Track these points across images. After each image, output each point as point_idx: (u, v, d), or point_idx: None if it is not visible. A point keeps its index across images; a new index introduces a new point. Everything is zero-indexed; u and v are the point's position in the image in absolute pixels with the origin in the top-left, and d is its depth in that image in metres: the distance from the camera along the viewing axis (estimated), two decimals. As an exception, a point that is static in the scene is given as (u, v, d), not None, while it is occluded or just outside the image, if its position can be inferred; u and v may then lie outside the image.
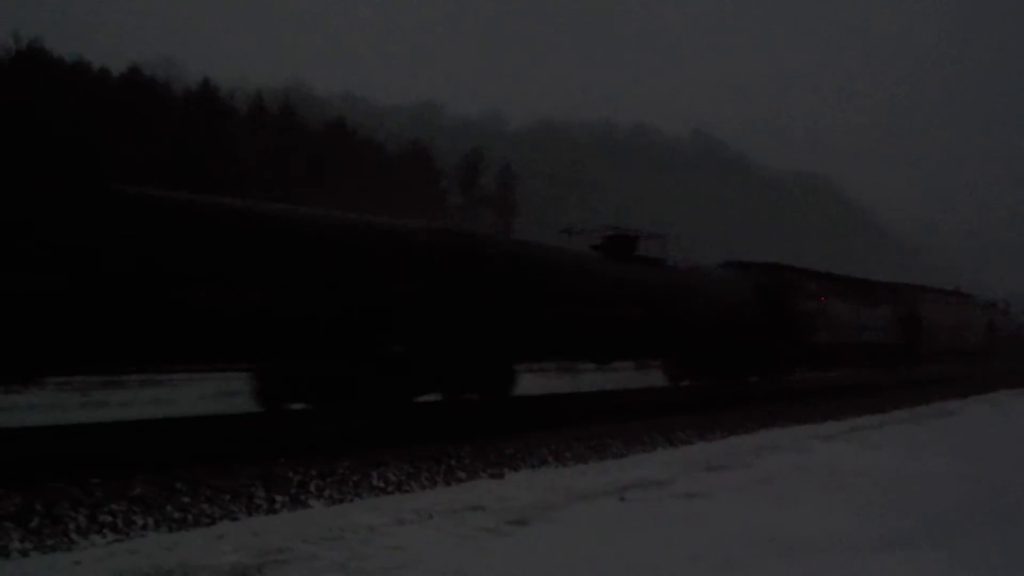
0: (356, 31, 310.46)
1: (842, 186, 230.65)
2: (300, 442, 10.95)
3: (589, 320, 16.19)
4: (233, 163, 54.99)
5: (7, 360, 9.56)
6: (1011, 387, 28.31)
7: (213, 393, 17.65)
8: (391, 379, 13.00)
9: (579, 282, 16.43)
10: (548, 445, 12.06)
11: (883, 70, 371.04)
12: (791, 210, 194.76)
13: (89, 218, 9.86)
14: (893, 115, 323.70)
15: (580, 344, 16.89)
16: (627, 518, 7.43)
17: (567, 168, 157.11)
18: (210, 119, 60.43)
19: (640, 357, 22.31)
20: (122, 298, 9.85)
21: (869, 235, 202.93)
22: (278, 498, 8.45)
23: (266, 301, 11.15)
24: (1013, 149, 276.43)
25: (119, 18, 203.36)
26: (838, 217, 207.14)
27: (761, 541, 6.56)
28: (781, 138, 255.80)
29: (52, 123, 43.60)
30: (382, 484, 9.40)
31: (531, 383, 22.09)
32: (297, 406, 13.26)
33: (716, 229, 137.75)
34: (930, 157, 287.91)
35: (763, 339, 22.04)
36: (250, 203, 12.85)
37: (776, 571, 5.85)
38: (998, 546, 6.63)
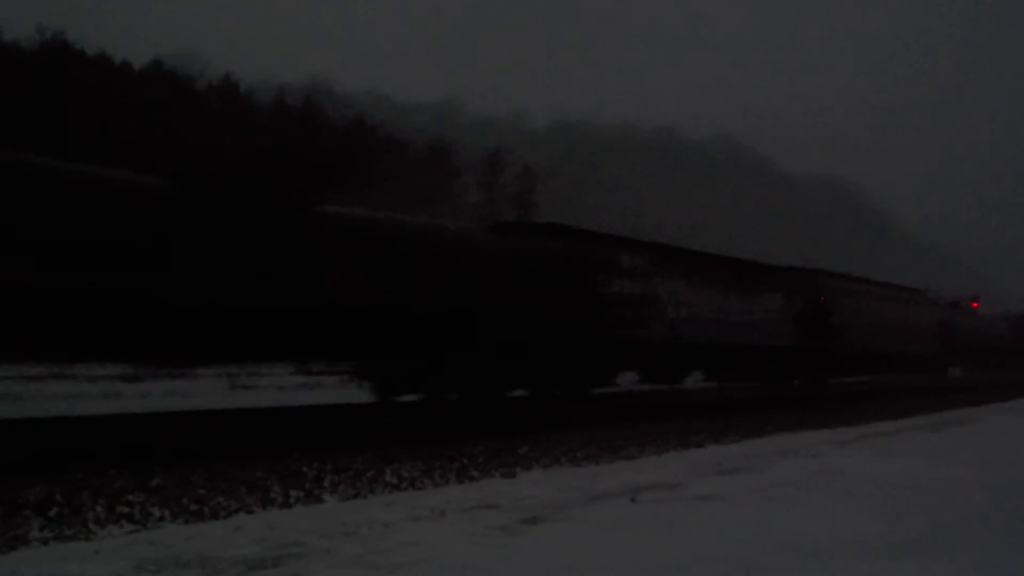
0: (379, 28, 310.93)
1: (867, 191, 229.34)
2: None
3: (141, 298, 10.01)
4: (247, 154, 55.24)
5: None
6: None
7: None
8: None
9: (122, 230, 9.97)
10: (561, 446, 12.11)
11: (911, 74, 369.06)
12: (815, 214, 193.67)
13: None
14: (921, 119, 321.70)
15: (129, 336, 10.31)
16: (639, 519, 7.46)
17: (589, 168, 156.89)
18: (232, 113, 60.77)
19: (286, 359, 14.18)
20: None
21: (894, 241, 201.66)
22: (293, 492, 8.54)
23: None
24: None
25: (142, 11, 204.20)
26: (862, 221, 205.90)
27: (773, 545, 6.57)
28: (806, 143, 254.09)
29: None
30: (396, 481, 9.48)
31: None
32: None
33: (739, 233, 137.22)
34: (959, 163, 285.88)
35: (545, 334, 15.45)
36: None
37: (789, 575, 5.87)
38: (1015, 556, 6.62)
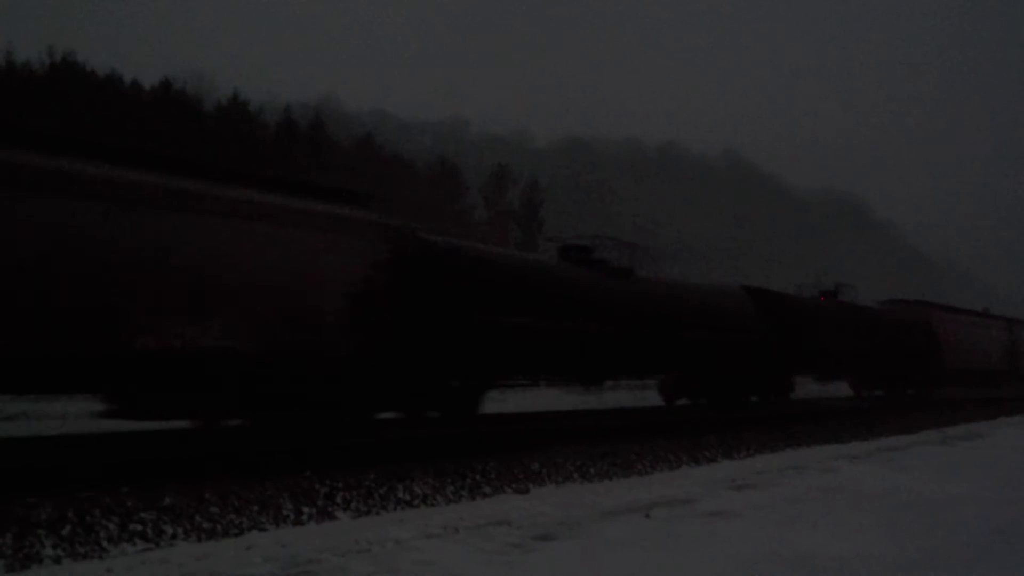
0: (385, 48, 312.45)
1: (872, 205, 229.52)
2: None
3: None
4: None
5: None
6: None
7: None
8: None
9: None
10: (573, 461, 12.08)
11: (916, 90, 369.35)
12: (821, 228, 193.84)
13: None
14: (924, 134, 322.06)
15: None
16: (653, 535, 7.43)
17: (595, 185, 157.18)
18: (240, 133, 61.02)
19: None
20: None
21: (899, 254, 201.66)
22: (305, 510, 8.52)
23: None
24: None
25: (151, 32, 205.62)
26: (868, 236, 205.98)
27: (787, 561, 6.54)
28: (811, 158, 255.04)
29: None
30: (408, 497, 9.45)
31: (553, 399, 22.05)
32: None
33: (745, 248, 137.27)
34: (963, 176, 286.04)
35: None
36: None
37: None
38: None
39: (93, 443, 11.59)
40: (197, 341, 10.98)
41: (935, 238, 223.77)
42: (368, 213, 13.84)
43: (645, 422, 17.49)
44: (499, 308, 15.10)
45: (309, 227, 12.39)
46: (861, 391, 32.86)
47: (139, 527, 7.36)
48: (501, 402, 21.22)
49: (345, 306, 12.66)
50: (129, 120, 51.48)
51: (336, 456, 11.13)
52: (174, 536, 7.31)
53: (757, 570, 6.28)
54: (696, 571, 6.26)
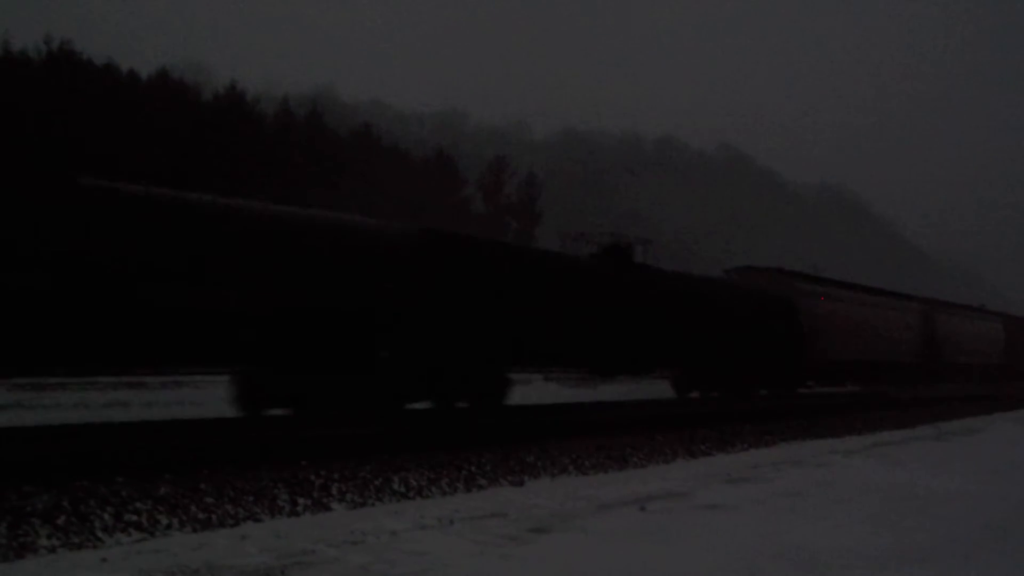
0: (383, 39, 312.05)
1: (870, 201, 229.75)
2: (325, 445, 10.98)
3: None
4: (259, 167, 55.29)
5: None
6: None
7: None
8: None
9: None
10: (569, 454, 12.09)
11: (910, 83, 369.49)
12: (817, 223, 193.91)
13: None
14: (923, 129, 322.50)
15: None
16: (648, 528, 7.44)
17: (592, 178, 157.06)
18: (238, 123, 60.85)
19: None
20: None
21: (895, 248, 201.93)
22: (300, 500, 8.52)
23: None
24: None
25: (149, 21, 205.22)
26: (864, 230, 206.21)
27: (782, 554, 6.55)
28: (808, 152, 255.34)
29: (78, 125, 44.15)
30: (403, 489, 9.45)
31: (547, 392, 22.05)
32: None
33: (741, 241, 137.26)
34: (962, 172, 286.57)
35: None
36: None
37: (797, 585, 5.84)
38: (1017, 570, 6.59)
39: (88, 433, 11.57)
40: None
41: (934, 234, 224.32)
42: None
43: (641, 416, 17.46)
44: None
45: None
46: (685, 392, 22.80)
47: (134, 517, 7.36)
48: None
49: None
50: (126, 109, 51.34)
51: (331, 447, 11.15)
52: (169, 526, 7.31)
53: (752, 562, 6.29)
54: (691, 563, 6.27)
